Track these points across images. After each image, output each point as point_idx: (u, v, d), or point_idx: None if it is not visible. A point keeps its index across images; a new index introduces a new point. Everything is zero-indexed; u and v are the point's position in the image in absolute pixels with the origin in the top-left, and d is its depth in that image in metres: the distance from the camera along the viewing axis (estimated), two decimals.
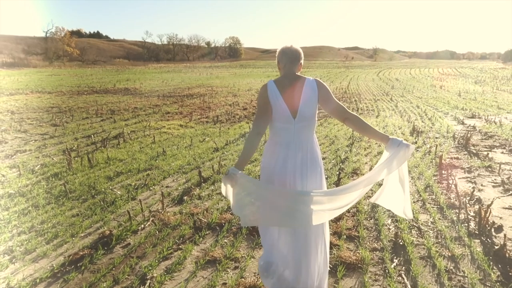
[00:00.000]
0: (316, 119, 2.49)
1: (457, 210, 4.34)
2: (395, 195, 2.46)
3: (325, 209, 2.32)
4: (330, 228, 3.91)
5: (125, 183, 5.48)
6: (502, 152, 7.22)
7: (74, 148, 7.82)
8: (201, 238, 3.77)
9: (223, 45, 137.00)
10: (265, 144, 2.67)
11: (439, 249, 3.48)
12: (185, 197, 4.90)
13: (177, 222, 4.08)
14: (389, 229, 3.91)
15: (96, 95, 19.78)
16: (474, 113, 12.34)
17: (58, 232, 3.89)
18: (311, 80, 2.45)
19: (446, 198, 4.71)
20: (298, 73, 2.51)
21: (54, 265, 3.27)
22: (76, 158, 6.92)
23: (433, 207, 4.48)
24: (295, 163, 2.41)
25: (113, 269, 3.23)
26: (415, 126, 9.58)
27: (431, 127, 9.91)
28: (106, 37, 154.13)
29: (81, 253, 3.46)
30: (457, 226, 3.94)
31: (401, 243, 3.54)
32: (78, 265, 3.29)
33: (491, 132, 9.19)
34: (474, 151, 7.23)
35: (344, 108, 2.46)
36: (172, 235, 3.85)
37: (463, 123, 10.64)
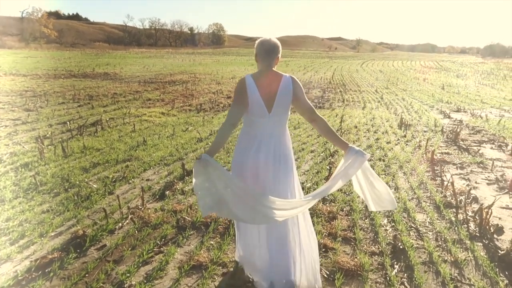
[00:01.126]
0: (289, 113, 2.56)
1: (454, 210, 4.15)
2: (379, 194, 2.51)
3: (286, 209, 2.37)
4: (324, 228, 3.66)
5: (102, 175, 5.09)
6: (492, 148, 7.11)
7: (47, 135, 7.33)
8: (185, 239, 3.45)
9: (206, 32, 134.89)
10: (237, 136, 2.67)
11: (441, 253, 3.27)
12: (167, 192, 4.56)
13: (158, 221, 3.75)
14: (386, 230, 3.68)
15: (74, 79, 18.99)
16: (459, 107, 12.30)
17: (25, 231, 3.50)
18: (287, 77, 2.52)
19: (442, 197, 4.52)
20: (275, 68, 2.56)
21: (19, 271, 2.89)
22: (49, 147, 6.45)
23: (429, 206, 4.28)
24: (268, 156, 2.48)
25: (86, 275, 2.88)
26: (403, 119, 9.43)
27: (419, 121, 9.78)
28: (86, 19, 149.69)
29: (50, 256, 3.09)
30: (456, 228, 3.74)
31: (400, 247, 3.31)
32: (47, 270, 2.93)
33: (478, 126, 9.11)
34: (464, 146, 7.10)
35: (314, 109, 2.55)
36: (153, 235, 3.52)
37: (449, 117, 10.56)
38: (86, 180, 4.89)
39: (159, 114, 10.10)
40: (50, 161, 5.65)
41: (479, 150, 6.76)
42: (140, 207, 4.07)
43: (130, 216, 3.83)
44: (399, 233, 3.57)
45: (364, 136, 7.86)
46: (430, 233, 3.65)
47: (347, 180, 2.45)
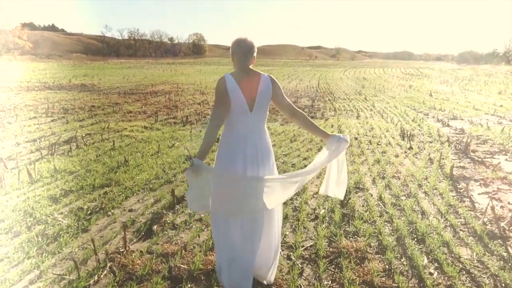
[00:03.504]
0: (268, 112, 2.65)
1: (500, 241, 3.50)
2: (339, 181, 2.71)
3: (275, 193, 2.46)
4: (356, 274, 2.93)
5: (75, 206, 4.25)
6: (506, 160, 6.56)
7: (12, 156, 6.40)
8: None
9: (186, 42, 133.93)
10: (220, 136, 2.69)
11: None
12: (155, 227, 3.76)
13: (145, 270, 2.95)
14: (431, 273, 2.98)
15: (48, 91, 17.89)
16: (454, 115, 11.88)
17: None
18: (266, 75, 2.60)
19: (481, 224, 3.86)
20: (251, 67, 2.59)
21: None
22: (12, 171, 5.56)
23: (470, 237, 3.61)
24: (252, 155, 2.53)
25: None
26: (403, 129, 8.86)
27: (420, 130, 9.22)
28: (62, 30, 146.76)
29: None
30: None
31: None
32: None
33: (482, 136, 8.61)
34: (477, 159, 6.53)
35: (293, 105, 2.68)
36: None
37: (448, 125, 10.07)
38: (54, 213, 4.05)
39: (141, 128, 9.25)
40: (12, 189, 4.77)
41: (499, 163, 6.18)
42: (122, 250, 3.26)
43: (109, 265, 3.03)
44: (449, 279, 2.87)
45: (368, 149, 7.22)
46: (485, 276, 2.97)
47: (326, 164, 2.62)
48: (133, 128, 9.15)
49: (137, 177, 5.29)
